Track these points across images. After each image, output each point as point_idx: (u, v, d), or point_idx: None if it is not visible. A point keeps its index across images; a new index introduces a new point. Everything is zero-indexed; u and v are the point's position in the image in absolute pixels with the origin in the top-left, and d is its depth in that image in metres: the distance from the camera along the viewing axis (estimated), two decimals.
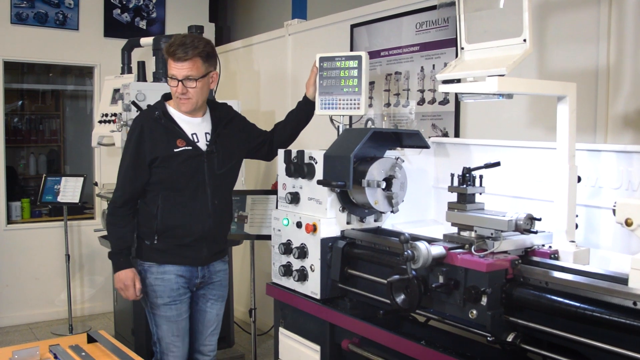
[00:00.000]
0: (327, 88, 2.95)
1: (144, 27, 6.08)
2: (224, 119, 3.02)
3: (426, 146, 2.72)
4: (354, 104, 2.88)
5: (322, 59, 2.96)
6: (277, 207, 2.96)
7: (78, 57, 5.83)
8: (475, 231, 2.06)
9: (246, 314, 5.19)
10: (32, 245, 5.65)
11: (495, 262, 1.91)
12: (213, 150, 2.91)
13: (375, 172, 2.53)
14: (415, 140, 2.72)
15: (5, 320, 5.63)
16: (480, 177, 2.19)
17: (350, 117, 3.33)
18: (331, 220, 2.65)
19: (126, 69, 4.83)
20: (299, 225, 2.72)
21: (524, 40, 2.03)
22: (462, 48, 2.30)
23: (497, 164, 2.22)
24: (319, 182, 2.55)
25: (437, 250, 1.99)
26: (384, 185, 2.53)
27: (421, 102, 3.74)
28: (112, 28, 5.88)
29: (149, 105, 3.01)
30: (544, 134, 3.07)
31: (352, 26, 4.26)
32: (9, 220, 5.67)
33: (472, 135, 3.46)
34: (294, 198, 2.78)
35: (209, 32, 6.28)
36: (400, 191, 2.63)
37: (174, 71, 2.77)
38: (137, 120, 2.94)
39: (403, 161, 2.62)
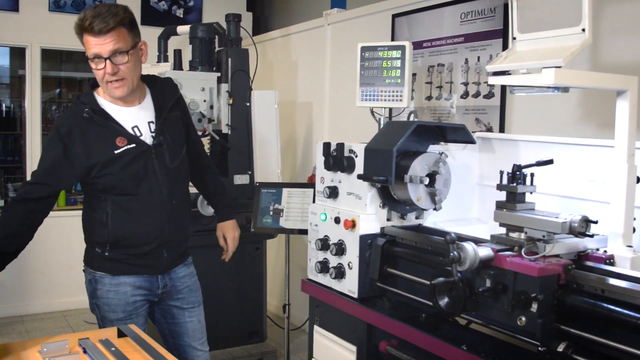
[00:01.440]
0: (369, 79, 2.84)
1: (181, 16, 6.04)
2: (169, 97, 2.60)
3: (472, 141, 2.60)
4: (397, 95, 2.77)
5: (363, 49, 2.86)
6: (314, 201, 2.87)
7: None
8: (526, 233, 1.94)
9: (279, 308, 5.14)
10: (66, 233, 5.61)
11: (548, 267, 1.79)
12: (161, 141, 2.51)
13: (418, 167, 2.42)
14: (460, 135, 2.60)
15: (40, 307, 5.67)
16: (532, 175, 2.06)
17: (391, 109, 3.22)
18: (371, 216, 2.55)
19: (162, 57, 4.77)
20: (337, 220, 2.63)
21: (583, 30, 1.90)
22: (514, 38, 2.18)
23: (550, 161, 2.10)
24: (359, 177, 2.45)
25: (485, 252, 1.88)
26: (427, 181, 2.42)
27: (465, 95, 3.61)
28: (149, 16, 5.85)
29: (78, 99, 2.51)
30: (595, 130, 2.92)
31: (394, 16, 4.14)
32: None
33: (517, 131, 3.32)
34: (333, 192, 2.68)
35: (247, 22, 6.21)
36: (443, 188, 2.51)
37: (97, 49, 2.29)
38: (64, 119, 2.47)
39: (447, 156, 2.51)
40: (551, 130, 3.11)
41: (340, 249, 2.60)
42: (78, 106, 2.45)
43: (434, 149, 2.62)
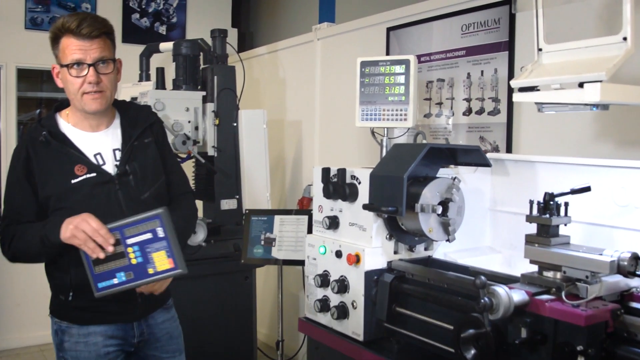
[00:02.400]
0: (369, 96, 2.60)
1: (164, 33, 5.78)
2: (140, 124, 2.34)
3: (487, 164, 2.35)
4: (401, 114, 2.53)
5: (363, 64, 2.61)
6: (311, 232, 2.61)
7: None
8: (564, 272, 1.69)
9: (269, 337, 4.87)
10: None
11: (595, 314, 1.54)
12: (126, 170, 2.25)
13: (430, 194, 2.16)
14: (473, 157, 2.36)
15: (16, 341, 5.33)
16: (566, 205, 1.81)
17: (386, 129, 2.92)
18: (377, 250, 2.29)
19: (144, 76, 4.51)
20: (338, 254, 2.37)
21: (624, 39, 1.66)
22: (540, 49, 1.94)
23: (587, 189, 1.85)
24: (365, 207, 2.19)
25: (519, 296, 1.62)
26: (439, 210, 2.17)
27: (467, 112, 3.37)
28: (130, 33, 5.58)
29: (38, 122, 2.29)
30: (614, 149, 2.70)
31: (389, 29, 3.90)
32: None
33: (526, 150, 3.09)
34: (333, 223, 2.42)
35: (232, 38, 5.97)
36: (457, 217, 2.26)
37: (80, 54, 2.09)
38: (21, 146, 2.26)
39: (460, 182, 2.26)
40: (565, 149, 2.89)
41: (342, 287, 2.34)
42: (36, 130, 2.21)
43: (444, 172, 2.38)
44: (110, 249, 2.03)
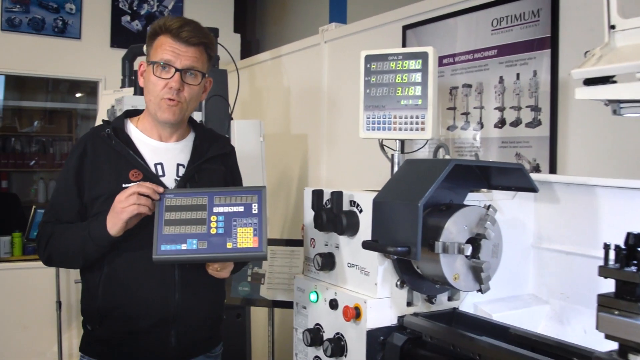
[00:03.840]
0: (376, 100, 2.02)
1: None
2: (214, 149, 2.14)
3: (532, 188, 1.76)
4: (417, 122, 1.95)
5: (368, 59, 2.04)
6: (302, 272, 2.05)
7: (79, 70, 5.04)
8: None
9: None
10: (21, 288, 4.82)
11: None
12: (186, 188, 2.02)
13: (455, 229, 1.59)
14: (513, 179, 1.77)
15: None
16: None
17: (400, 141, 2.19)
18: (383, 301, 1.71)
19: (127, 81, 3.99)
20: (333, 304, 1.80)
21: None
22: (613, 27, 1.36)
23: None
24: (365, 246, 1.61)
25: None
26: (469, 250, 1.59)
27: (500, 123, 2.79)
28: (120, 37, 5.09)
29: (103, 120, 2.14)
30: None
31: (405, 27, 3.34)
32: None
33: (574, 170, 2.50)
34: (327, 262, 1.85)
35: (234, 44, 5.46)
36: (492, 259, 1.68)
37: (171, 55, 1.93)
38: (80, 140, 2.07)
39: (496, 211, 1.67)
40: (627, 170, 2.30)
41: (338, 348, 1.76)
42: (101, 125, 2.06)
43: (473, 199, 1.81)
44: (160, 189, 1.87)
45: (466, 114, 2.96)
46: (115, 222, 1.84)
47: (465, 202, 1.76)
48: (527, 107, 2.67)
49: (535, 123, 2.63)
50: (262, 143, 3.69)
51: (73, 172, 2.00)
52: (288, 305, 2.60)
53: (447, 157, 1.95)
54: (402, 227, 1.51)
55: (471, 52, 2.94)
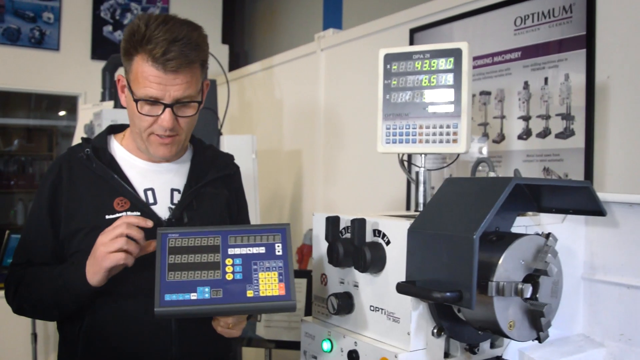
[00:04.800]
0: (398, 107, 1.69)
1: None
2: (215, 170, 1.83)
3: (600, 212, 1.44)
4: (448, 133, 1.63)
5: (388, 58, 1.71)
6: (309, 312, 1.71)
7: (58, 84, 4.73)
8: None
9: None
10: None
11: None
12: (182, 218, 1.70)
13: (512, 265, 1.26)
14: (572, 200, 1.45)
15: None
16: None
17: (423, 156, 1.84)
18: (418, 353, 1.38)
19: (107, 94, 3.66)
20: (353, 357, 1.46)
21: None
22: None
23: None
24: (401, 290, 1.27)
25: None
26: (529, 292, 1.26)
27: (525, 134, 2.48)
28: (101, 49, 4.80)
29: (82, 139, 1.81)
30: None
31: (412, 31, 3.04)
32: None
33: (614, 187, 2.21)
34: (344, 305, 1.51)
35: (223, 56, 5.15)
36: (553, 299, 1.36)
37: (158, 90, 1.56)
38: (55, 163, 1.74)
39: (557, 240, 1.35)
40: None
41: None
42: (80, 145, 1.75)
43: (519, 224, 1.50)
44: (150, 223, 1.54)
45: (484, 124, 2.65)
46: (97, 270, 1.51)
47: (521, 231, 1.44)
48: (557, 115, 2.37)
49: (567, 133, 2.33)
50: (255, 160, 3.37)
51: (46, 204, 1.68)
52: (290, 345, 2.26)
53: (492, 174, 1.63)
54: (449, 266, 1.18)
55: (490, 56, 2.64)
